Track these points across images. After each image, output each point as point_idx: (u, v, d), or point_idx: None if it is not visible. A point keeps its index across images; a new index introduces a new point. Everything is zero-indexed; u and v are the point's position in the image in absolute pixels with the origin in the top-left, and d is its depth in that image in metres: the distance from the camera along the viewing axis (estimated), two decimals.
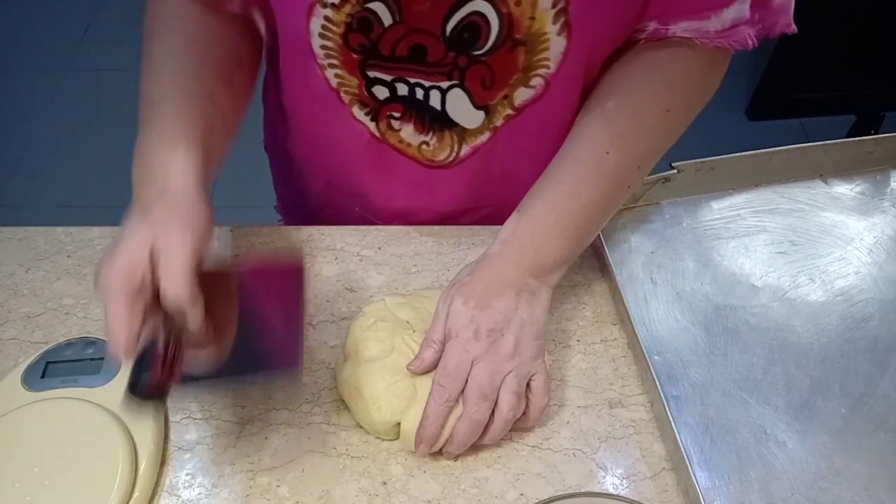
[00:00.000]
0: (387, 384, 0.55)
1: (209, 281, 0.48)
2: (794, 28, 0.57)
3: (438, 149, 0.65)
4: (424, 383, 0.55)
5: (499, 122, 0.63)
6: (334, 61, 0.58)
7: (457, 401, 0.54)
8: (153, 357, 0.46)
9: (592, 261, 0.69)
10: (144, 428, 0.55)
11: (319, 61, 0.59)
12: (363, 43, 0.56)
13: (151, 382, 0.45)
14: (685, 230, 0.72)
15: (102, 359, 0.58)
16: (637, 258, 0.69)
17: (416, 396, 0.55)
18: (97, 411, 0.55)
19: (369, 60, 0.58)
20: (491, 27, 0.54)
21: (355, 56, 0.57)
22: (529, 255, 0.57)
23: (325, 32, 0.56)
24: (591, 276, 0.68)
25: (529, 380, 0.55)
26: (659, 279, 0.68)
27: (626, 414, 0.59)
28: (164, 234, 0.46)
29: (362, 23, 0.54)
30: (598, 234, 0.66)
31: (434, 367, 0.55)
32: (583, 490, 0.54)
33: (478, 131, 0.64)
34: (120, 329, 0.44)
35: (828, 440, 0.58)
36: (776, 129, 2.08)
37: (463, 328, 0.54)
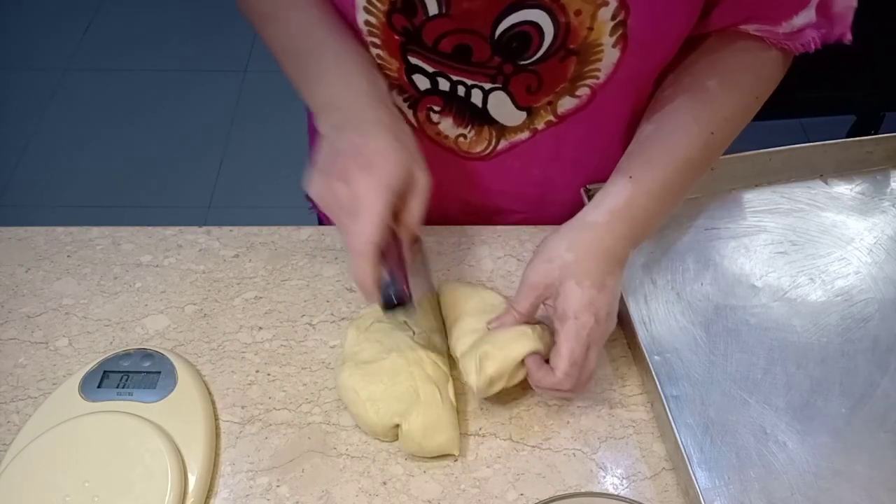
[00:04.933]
0: (385, 386, 0.55)
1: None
2: (849, 37, 0.57)
3: (476, 142, 0.65)
4: (427, 387, 0.55)
5: (540, 125, 0.62)
6: (376, 40, 0.57)
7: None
8: (396, 272, 0.51)
9: None
10: (196, 449, 0.55)
11: (363, 38, 0.58)
12: (405, 26, 0.55)
13: (398, 295, 0.50)
14: (685, 230, 0.72)
15: (159, 372, 0.58)
16: (637, 258, 0.69)
17: (419, 400, 0.55)
18: (150, 429, 0.55)
19: (410, 45, 0.57)
20: (544, 37, 0.54)
21: (397, 37, 0.56)
22: (637, 229, 0.56)
23: (368, 7, 0.55)
24: None
25: None
26: (659, 279, 0.68)
27: (626, 414, 0.59)
28: (414, 170, 0.50)
29: (406, 4, 0.53)
30: None
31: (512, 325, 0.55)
32: (583, 490, 0.54)
33: (518, 129, 0.63)
34: (369, 274, 0.49)
35: (828, 440, 0.57)
36: (776, 129, 2.08)
37: (582, 310, 0.53)
